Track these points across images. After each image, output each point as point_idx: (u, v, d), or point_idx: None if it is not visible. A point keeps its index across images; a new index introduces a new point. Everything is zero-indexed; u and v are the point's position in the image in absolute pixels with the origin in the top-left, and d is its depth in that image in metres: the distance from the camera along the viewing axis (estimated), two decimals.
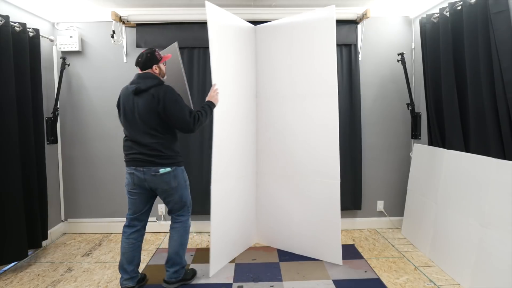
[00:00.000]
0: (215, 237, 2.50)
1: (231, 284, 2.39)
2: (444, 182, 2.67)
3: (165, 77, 2.32)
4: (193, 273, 2.46)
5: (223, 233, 2.62)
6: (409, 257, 2.79)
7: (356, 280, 2.43)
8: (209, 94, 2.37)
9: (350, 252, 2.85)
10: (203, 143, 3.32)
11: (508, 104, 2.05)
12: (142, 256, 2.34)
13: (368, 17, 3.13)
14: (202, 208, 3.35)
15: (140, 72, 2.22)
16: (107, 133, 3.38)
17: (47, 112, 3.18)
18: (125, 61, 3.35)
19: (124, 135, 2.25)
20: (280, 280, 2.43)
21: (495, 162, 2.16)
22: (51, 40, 3.24)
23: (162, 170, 2.11)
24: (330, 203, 2.64)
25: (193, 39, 3.25)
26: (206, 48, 3.23)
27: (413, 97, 3.32)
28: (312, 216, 2.75)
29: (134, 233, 2.25)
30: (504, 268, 2.00)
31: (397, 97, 3.41)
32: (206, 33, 3.20)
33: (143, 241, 2.34)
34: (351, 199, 3.36)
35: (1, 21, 2.46)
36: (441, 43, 2.67)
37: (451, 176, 2.58)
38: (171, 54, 2.37)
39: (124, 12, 3.19)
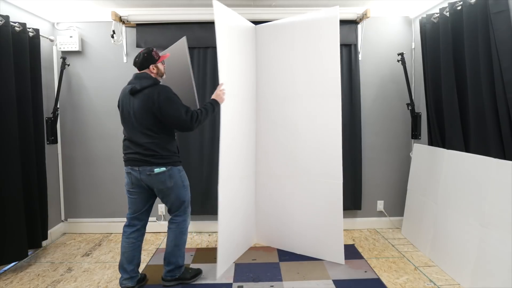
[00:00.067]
0: (223, 237, 2.49)
1: (231, 284, 2.39)
2: (444, 182, 2.67)
3: (164, 76, 2.32)
4: (196, 273, 2.43)
5: (229, 233, 2.63)
6: (409, 257, 2.79)
7: (356, 280, 2.43)
8: (215, 93, 2.36)
9: (350, 252, 2.85)
10: (203, 143, 3.33)
11: (508, 104, 2.05)
12: (142, 256, 2.34)
13: (368, 17, 3.13)
14: (202, 208, 3.35)
15: (137, 72, 2.23)
16: (107, 133, 3.38)
17: (47, 112, 3.18)
18: (125, 61, 3.35)
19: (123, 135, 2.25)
20: (280, 280, 2.43)
21: (495, 162, 2.16)
22: (51, 40, 3.24)
23: (156, 170, 2.12)
24: (333, 203, 2.65)
25: (193, 39, 3.24)
26: (207, 48, 3.25)
27: (413, 97, 3.32)
28: (313, 216, 2.75)
29: (134, 233, 2.25)
30: (504, 268, 2.00)
31: (397, 97, 3.41)
32: (206, 33, 3.22)
33: (143, 241, 2.34)
34: (351, 199, 3.36)
35: (1, 21, 2.46)
36: (441, 43, 2.67)
37: (451, 176, 2.58)
38: (179, 49, 2.34)
39: (124, 12, 3.19)
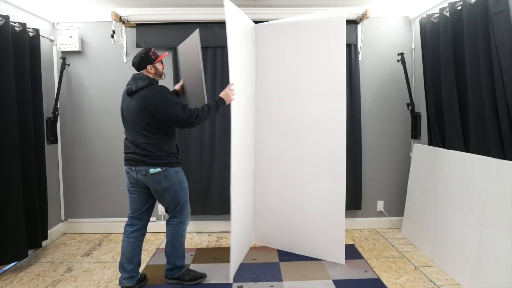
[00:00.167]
0: (235, 238, 2.48)
1: (231, 284, 2.39)
2: (444, 182, 2.67)
3: (163, 76, 2.31)
4: (197, 276, 2.39)
5: (239, 234, 2.63)
6: (409, 257, 2.79)
7: (356, 280, 2.43)
8: (223, 91, 2.32)
9: (350, 252, 2.85)
10: (203, 143, 3.33)
11: (508, 104, 2.05)
12: (142, 256, 2.34)
13: (368, 17, 3.13)
14: (202, 208, 3.35)
15: (135, 72, 2.24)
16: (107, 133, 3.38)
17: (47, 112, 3.18)
18: (125, 61, 3.35)
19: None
20: (280, 280, 2.43)
21: (495, 162, 2.16)
22: (51, 40, 3.24)
23: (152, 170, 2.13)
24: (335, 203, 2.65)
25: None
26: (207, 48, 3.25)
27: (413, 97, 3.32)
28: (315, 216, 2.75)
29: (134, 232, 2.26)
30: (504, 268, 2.00)
31: (397, 97, 3.41)
32: (206, 33, 3.21)
33: (144, 241, 2.35)
34: (351, 199, 3.35)
35: (1, 21, 2.46)
36: (441, 43, 2.67)
37: (451, 176, 2.58)
38: (193, 42, 2.31)
39: (124, 12, 3.19)
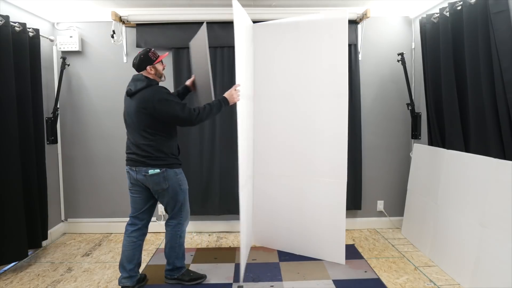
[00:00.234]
0: (244, 238, 2.48)
1: (231, 284, 2.39)
2: (444, 182, 2.67)
3: (163, 78, 2.31)
4: (197, 277, 2.40)
5: (246, 234, 2.64)
6: (409, 257, 2.79)
7: (356, 280, 2.43)
8: (228, 91, 2.29)
9: (350, 252, 2.85)
10: (203, 143, 3.33)
11: (508, 104, 2.05)
12: (142, 256, 2.34)
13: (368, 17, 3.13)
14: (202, 208, 3.35)
15: (135, 73, 2.24)
16: (107, 133, 3.38)
17: (47, 112, 3.18)
18: (125, 61, 3.35)
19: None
20: (280, 280, 2.43)
21: (495, 162, 2.16)
22: (51, 40, 3.24)
23: (151, 171, 2.14)
24: (336, 203, 2.65)
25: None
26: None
27: (413, 97, 3.32)
28: (315, 216, 2.74)
29: (135, 232, 2.27)
30: (504, 268, 2.00)
31: (397, 97, 3.41)
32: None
33: (144, 241, 2.35)
34: (351, 199, 3.35)
35: (1, 21, 2.46)
36: (441, 43, 2.67)
37: (451, 176, 2.58)
38: (200, 37, 2.29)
39: (124, 12, 3.19)
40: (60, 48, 3.25)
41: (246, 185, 2.52)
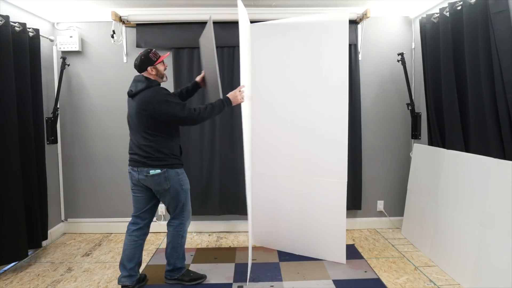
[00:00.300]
0: (251, 238, 2.48)
1: (231, 284, 2.39)
2: (444, 182, 2.67)
3: (165, 78, 2.31)
4: (197, 277, 2.40)
5: (252, 234, 2.63)
6: (409, 257, 2.79)
7: (356, 280, 2.43)
8: (232, 92, 2.28)
9: (350, 252, 2.84)
10: (203, 143, 3.33)
11: (508, 104, 2.05)
12: (142, 256, 2.34)
13: (368, 17, 3.13)
14: (202, 208, 3.35)
15: (136, 74, 2.25)
16: (107, 133, 3.38)
17: (47, 112, 3.18)
18: (125, 61, 3.35)
19: None
20: (280, 280, 2.43)
21: (495, 162, 2.16)
22: (51, 40, 3.24)
23: (152, 172, 2.15)
24: (336, 203, 2.64)
25: (193, 39, 3.23)
26: None
27: (413, 97, 3.32)
28: (315, 216, 2.74)
29: (136, 231, 2.28)
30: (504, 268, 2.00)
31: (397, 97, 3.41)
32: None
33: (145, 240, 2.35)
34: (351, 199, 3.35)
35: (1, 21, 2.46)
36: (441, 43, 2.67)
37: (451, 176, 2.58)
38: (208, 32, 2.28)
39: (124, 12, 3.19)
40: (60, 48, 3.25)
41: (252, 185, 2.51)
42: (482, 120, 2.31)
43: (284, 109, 2.79)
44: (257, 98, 2.90)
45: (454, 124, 2.62)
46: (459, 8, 2.48)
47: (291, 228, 2.86)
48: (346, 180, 2.61)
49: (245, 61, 2.33)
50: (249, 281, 2.40)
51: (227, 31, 3.17)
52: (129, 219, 2.33)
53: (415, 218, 3.08)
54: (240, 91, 2.28)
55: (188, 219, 2.35)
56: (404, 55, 3.24)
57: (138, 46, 3.27)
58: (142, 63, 2.19)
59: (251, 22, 2.90)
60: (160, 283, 2.39)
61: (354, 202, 3.39)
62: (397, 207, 3.46)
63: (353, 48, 3.30)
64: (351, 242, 3.12)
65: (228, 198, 3.36)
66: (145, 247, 2.86)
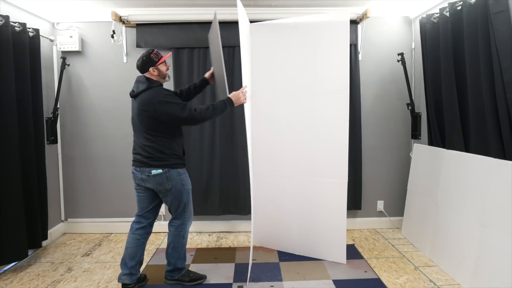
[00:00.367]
0: (253, 238, 2.48)
1: (231, 284, 2.39)
2: (444, 182, 2.67)
3: (167, 78, 2.31)
4: (197, 277, 2.40)
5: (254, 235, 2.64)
6: (409, 257, 2.79)
7: (356, 280, 2.43)
8: (235, 93, 2.27)
9: (350, 252, 2.84)
10: (203, 143, 3.33)
11: (508, 104, 2.05)
12: (144, 256, 2.35)
13: (368, 17, 3.13)
14: (202, 208, 3.35)
15: (138, 75, 2.26)
16: (107, 133, 3.38)
17: (47, 112, 3.17)
18: (125, 61, 3.35)
19: None
20: (280, 280, 2.43)
21: (495, 162, 2.16)
22: (51, 40, 3.24)
23: (153, 172, 2.16)
24: (336, 203, 2.64)
25: (193, 39, 3.25)
26: (206, 48, 3.24)
27: (413, 97, 3.32)
28: (315, 216, 2.74)
29: (139, 229, 2.29)
30: (504, 268, 2.00)
31: (397, 97, 3.41)
32: (206, 33, 3.20)
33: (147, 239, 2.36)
34: (351, 199, 3.35)
35: (1, 21, 2.46)
36: (441, 43, 2.67)
37: (451, 176, 2.58)
38: (214, 28, 2.28)
39: (124, 12, 3.19)
40: (60, 48, 3.25)
41: (256, 185, 2.51)
42: (482, 120, 2.31)
43: (284, 109, 2.79)
44: (257, 98, 2.89)
45: (454, 124, 2.62)
46: (459, 8, 2.48)
47: (291, 228, 2.86)
48: (347, 180, 2.61)
49: (246, 62, 2.32)
50: (249, 281, 2.40)
51: (227, 31, 3.14)
52: (130, 219, 2.34)
53: (415, 218, 3.08)
54: (243, 91, 2.29)
55: (189, 219, 2.36)
56: (404, 55, 3.24)
57: (138, 46, 3.27)
58: (144, 64, 2.19)
59: (251, 22, 2.90)
60: (160, 283, 2.39)
61: (354, 202, 3.39)
62: (397, 207, 3.46)
63: (353, 48, 3.29)
64: (351, 242, 3.12)
65: (228, 198, 3.36)
66: (146, 247, 2.86)
